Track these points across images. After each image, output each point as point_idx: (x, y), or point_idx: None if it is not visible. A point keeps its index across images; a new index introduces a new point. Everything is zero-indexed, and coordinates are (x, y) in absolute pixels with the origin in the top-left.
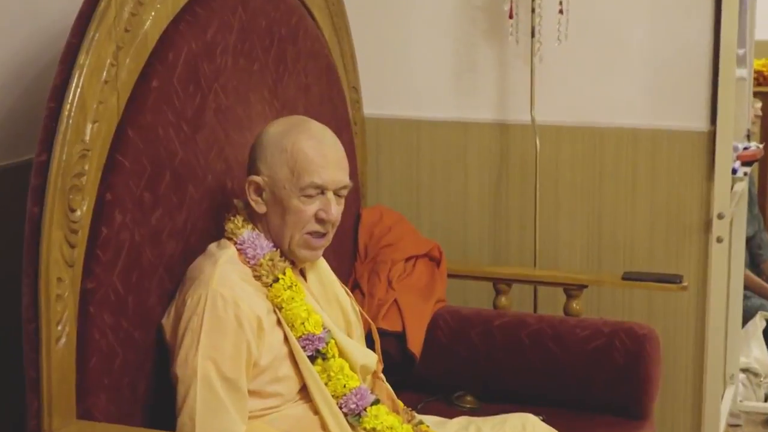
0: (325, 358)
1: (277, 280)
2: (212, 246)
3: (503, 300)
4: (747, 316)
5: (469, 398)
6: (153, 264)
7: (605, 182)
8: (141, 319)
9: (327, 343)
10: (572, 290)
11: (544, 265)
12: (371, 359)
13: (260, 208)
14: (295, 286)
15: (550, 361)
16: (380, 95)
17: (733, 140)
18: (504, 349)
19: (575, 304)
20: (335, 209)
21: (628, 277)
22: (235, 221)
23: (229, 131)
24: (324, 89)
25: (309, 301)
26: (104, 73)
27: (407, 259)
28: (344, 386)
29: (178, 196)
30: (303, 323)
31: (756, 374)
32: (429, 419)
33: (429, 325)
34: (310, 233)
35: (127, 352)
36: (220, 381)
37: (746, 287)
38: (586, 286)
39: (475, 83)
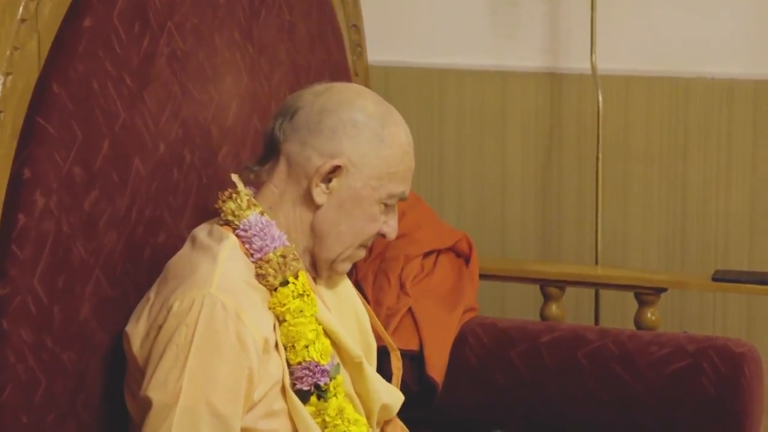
0: (322, 396)
1: (286, 283)
2: (201, 234)
3: (554, 309)
4: None
5: None
6: (87, 263)
7: (690, 151)
8: (71, 337)
9: (332, 379)
10: (646, 295)
11: (609, 262)
12: (396, 398)
13: (321, 199)
14: (308, 296)
15: (617, 389)
16: (390, 36)
17: None
18: (555, 373)
19: (650, 314)
20: (396, 224)
21: (720, 277)
22: (238, 201)
23: (188, 86)
24: (314, 29)
25: (324, 318)
26: (20, 9)
27: (426, 255)
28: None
29: (120, 172)
30: (307, 347)
31: None
32: None
33: (455, 342)
34: (360, 246)
35: (53, 379)
36: (209, 416)
37: None
38: (665, 290)
39: (518, 20)
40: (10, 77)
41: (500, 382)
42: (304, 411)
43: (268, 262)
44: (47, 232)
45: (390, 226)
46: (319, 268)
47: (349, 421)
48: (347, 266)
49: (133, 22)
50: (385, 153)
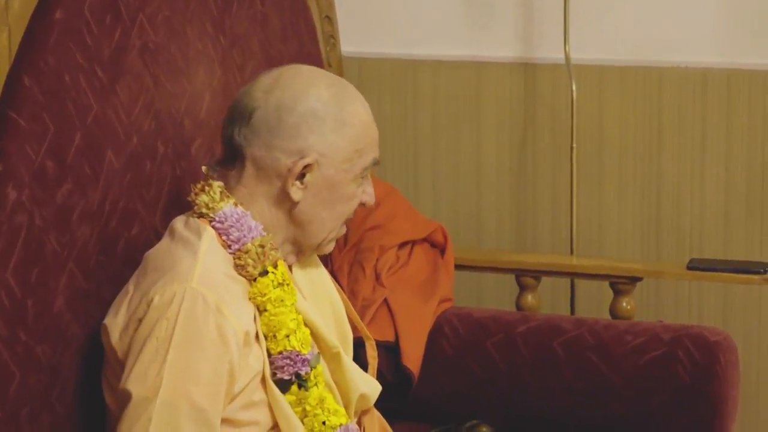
0: (303, 386)
1: (265, 273)
2: (179, 225)
3: (530, 299)
4: None
5: (484, 429)
6: (60, 256)
7: (665, 140)
8: (44, 330)
9: (312, 368)
10: (621, 284)
11: (585, 251)
12: (373, 387)
13: (298, 195)
14: (287, 285)
15: (592, 378)
16: (364, 27)
17: None
18: (531, 363)
19: (626, 303)
20: (372, 190)
21: (695, 266)
22: (211, 193)
23: (160, 78)
24: (287, 20)
25: (301, 307)
26: None
27: (401, 246)
28: (323, 423)
29: (93, 165)
30: (288, 336)
31: None
32: None
33: (431, 332)
34: (344, 223)
35: (27, 373)
36: (188, 410)
37: None
38: (640, 279)
39: (492, 10)
40: None
41: (476, 373)
42: (284, 401)
43: (246, 252)
44: (20, 225)
45: (368, 194)
46: (303, 253)
47: (329, 411)
48: (333, 245)
49: (104, 15)
50: (349, 134)
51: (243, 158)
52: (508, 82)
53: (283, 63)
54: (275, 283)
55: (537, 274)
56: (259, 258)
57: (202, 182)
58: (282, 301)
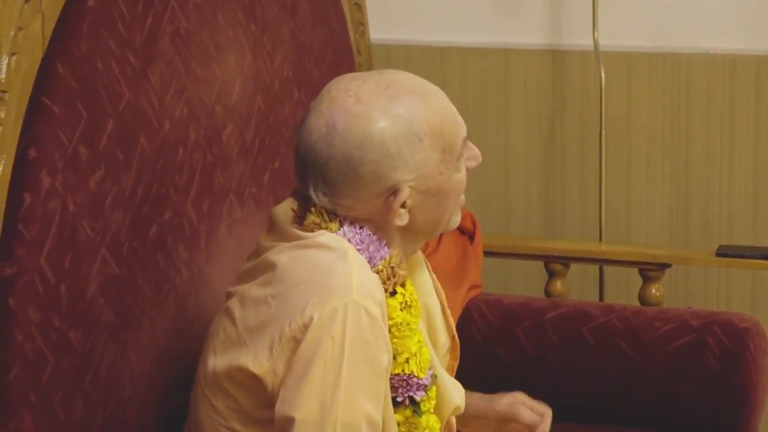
0: (416, 411)
1: (394, 293)
2: (305, 233)
3: (559, 285)
4: None
5: None
6: (93, 242)
7: (693, 127)
8: (78, 316)
9: (428, 392)
10: (650, 271)
11: (613, 238)
12: (462, 395)
13: (405, 219)
14: (414, 306)
15: (621, 364)
16: (392, 14)
17: None
18: (560, 349)
19: (654, 290)
20: (475, 146)
21: (724, 252)
22: (318, 214)
23: (192, 64)
24: (316, 8)
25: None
26: None
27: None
28: None
29: (125, 151)
30: (408, 360)
31: None
32: None
33: (460, 319)
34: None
35: (61, 358)
36: (367, 427)
37: None
38: (669, 266)
39: None
40: (14, 58)
41: (505, 359)
42: (394, 421)
43: (379, 273)
44: (53, 211)
45: (473, 159)
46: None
47: None
48: (459, 216)
49: (136, 1)
50: (429, 143)
51: (335, 213)
52: (537, 69)
53: (313, 50)
54: (403, 305)
55: (565, 260)
56: (389, 279)
57: (298, 205)
58: (408, 325)
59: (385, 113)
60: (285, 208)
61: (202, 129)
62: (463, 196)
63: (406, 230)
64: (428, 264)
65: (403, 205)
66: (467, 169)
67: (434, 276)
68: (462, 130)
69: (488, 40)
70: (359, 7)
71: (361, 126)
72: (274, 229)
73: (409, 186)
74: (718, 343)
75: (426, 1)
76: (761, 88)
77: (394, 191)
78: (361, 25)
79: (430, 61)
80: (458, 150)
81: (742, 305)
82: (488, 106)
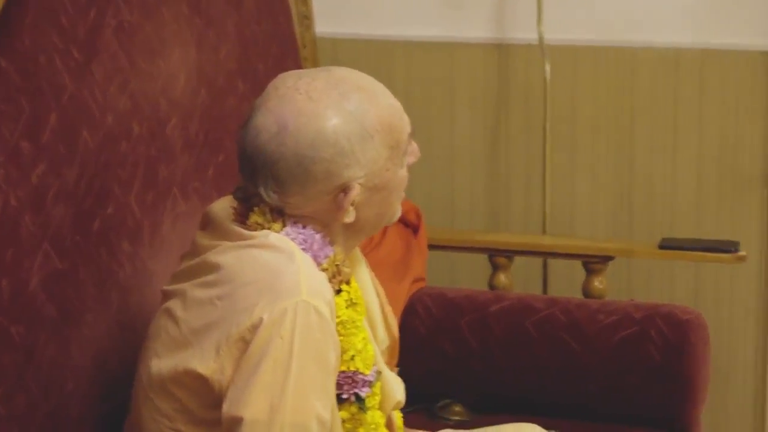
0: (362, 408)
1: (339, 291)
2: (248, 232)
3: (503, 278)
4: None
5: (457, 408)
6: (35, 236)
7: (637, 120)
8: (20, 310)
9: (372, 388)
10: (594, 264)
11: (557, 231)
12: (403, 392)
13: (352, 216)
14: (359, 303)
15: (565, 357)
16: (338, 8)
17: None
18: (503, 342)
19: (598, 283)
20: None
21: (666, 245)
22: (262, 213)
23: (136, 58)
24: (261, 2)
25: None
26: None
27: None
28: None
29: (68, 145)
30: (353, 357)
31: None
32: None
33: (404, 312)
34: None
35: (2, 353)
36: (317, 427)
37: None
38: (612, 258)
39: None
40: None
41: (449, 352)
42: (338, 418)
43: (324, 271)
44: None
45: (414, 154)
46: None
47: None
48: (399, 212)
49: None
50: (380, 140)
51: (282, 210)
52: (482, 62)
53: (258, 44)
54: (348, 302)
55: (509, 253)
56: (335, 277)
57: (239, 203)
58: (353, 322)
59: (337, 111)
60: (223, 206)
61: (146, 122)
62: (403, 192)
63: (350, 227)
64: (366, 260)
65: (353, 204)
66: (410, 163)
67: (372, 272)
68: (407, 126)
69: (434, 34)
70: (305, 1)
71: (314, 124)
72: (212, 228)
73: (359, 183)
74: (660, 335)
75: None
76: (704, 82)
77: (345, 189)
78: (307, 18)
79: (375, 55)
80: (404, 146)
81: (684, 298)
82: (433, 99)
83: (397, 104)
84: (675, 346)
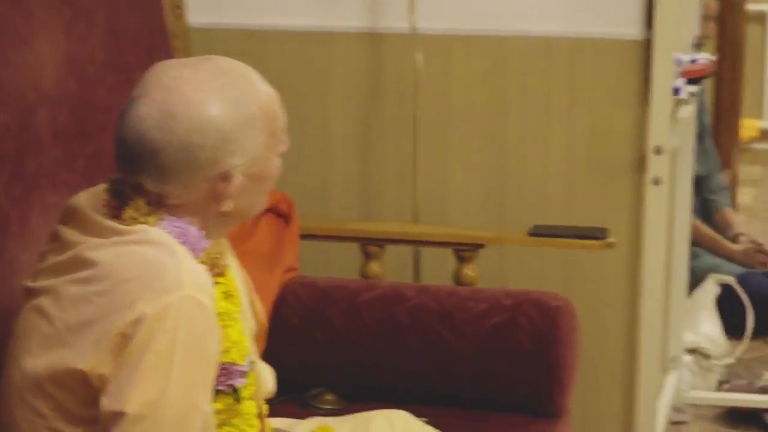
0: (238, 398)
1: (215, 284)
2: (126, 227)
3: (374, 267)
4: (695, 281)
5: (329, 397)
6: None
7: (510, 109)
8: None
9: (247, 378)
10: (465, 252)
11: (429, 219)
12: (273, 381)
13: (229, 205)
14: (235, 295)
15: (436, 345)
16: None
17: (676, 51)
18: (375, 331)
19: (469, 270)
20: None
21: (536, 232)
22: (136, 207)
23: (3, 47)
24: None
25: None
26: None
27: None
28: None
29: None
30: (229, 349)
31: (706, 356)
32: (276, 422)
33: (275, 302)
34: None
35: None
36: (200, 420)
37: (694, 243)
38: (482, 246)
39: None
40: None
41: (321, 342)
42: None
43: (202, 264)
44: None
45: (286, 143)
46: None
47: (248, 425)
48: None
49: None
50: (260, 127)
51: (164, 200)
52: (355, 52)
53: (128, 34)
54: (224, 294)
55: (381, 242)
56: (212, 269)
57: (114, 196)
58: (229, 314)
59: (221, 99)
60: (88, 199)
61: (13, 113)
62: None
63: (224, 217)
64: (231, 248)
65: (229, 191)
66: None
67: (238, 260)
68: (283, 114)
69: (308, 24)
70: None
71: (200, 112)
72: (77, 223)
73: (240, 170)
74: (529, 322)
75: None
76: (575, 71)
77: (225, 177)
78: (178, 8)
79: (249, 45)
80: (279, 134)
81: (555, 285)
82: (307, 89)
83: (274, 92)
84: (544, 333)
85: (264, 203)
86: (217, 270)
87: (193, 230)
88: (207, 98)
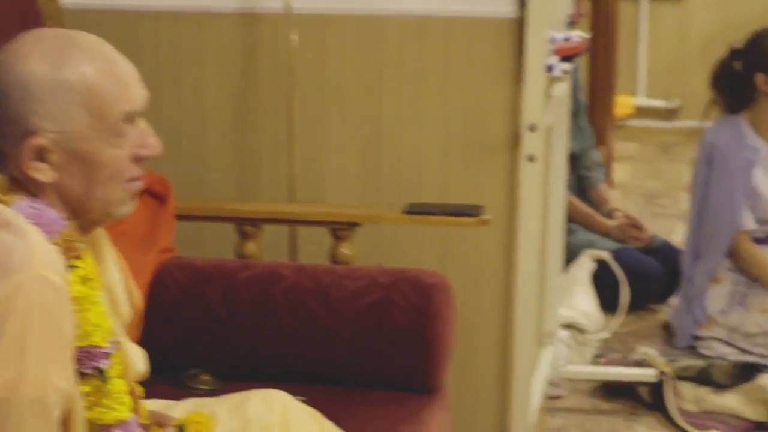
0: (104, 379)
1: (72, 267)
2: None
3: (251, 247)
4: (571, 256)
5: (205, 377)
6: None
7: (385, 89)
8: None
9: (112, 359)
10: (341, 230)
11: (305, 198)
12: (145, 363)
13: (46, 175)
14: (94, 279)
15: (312, 324)
16: None
17: (549, 29)
18: (251, 310)
19: (345, 249)
20: (155, 137)
21: (412, 210)
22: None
23: None
24: None
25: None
26: None
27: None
28: (109, 415)
29: None
30: (90, 332)
31: (582, 331)
32: (153, 404)
33: (151, 283)
34: (130, 181)
35: None
36: (56, 398)
37: (570, 219)
38: (358, 224)
39: None
40: None
41: (197, 322)
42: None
43: (56, 246)
44: None
45: (147, 146)
46: (95, 224)
47: (118, 402)
48: (130, 206)
49: None
50: (76, 100)
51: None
52: (230, 32)
53: (0, 18)
54: (80, 279)
55: (257, 222)
56: (67, 252)
57: None
58: (87, 297)
59: (42, 60)
60: None
61: None
62: (136, 184)
63: (76, 202)
64: (108, 236)
65: (47, 161)
66: (139, 158)
67: (115, 247)
68: (125, 103)
69: (181, 4)
70: None
71: (16, 65)
72: None
73: (50, 137)
74: (405, 299)
75: None
76: (449, 49)
77: (27, 136)
78: None
79: (122, 27)
80: (113, 121)
81: (431, 262)
82: (182, 70)
83: (125, 79)
84: (419, 310)
85: (123, 207)
86: (73, 253)
87: (50, 212)
88: (27, 55)
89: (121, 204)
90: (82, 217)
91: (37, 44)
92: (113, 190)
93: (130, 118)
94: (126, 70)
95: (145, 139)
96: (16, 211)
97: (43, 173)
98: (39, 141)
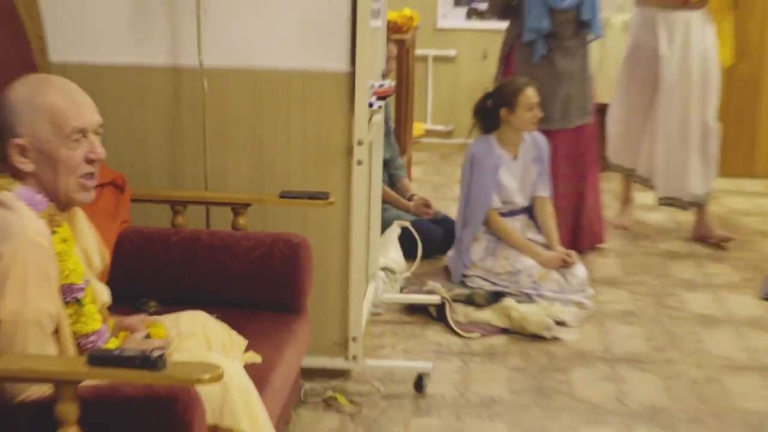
0: (81, 304)
1: (55, 233)
2: None
3: (180, 219)
4: (385, 225)
5: (152, 303)
6: None
7: (265, 117)
8: None
9: (85, 291)
10: (238, 209)
11: (215, 188)
12: (108, 296)
13: (27, 167)
14: (69, 239)
15: (221, 269)
16: (66, 41)
17: (370, 79)
18: (181, 260)
19: (241, 221)
20: (101, 147)
21: (284, 195)
22: (3, 176)
23: None
24: (8, 38)
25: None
26: None
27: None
28: (87, 327)
29: None
30: (68, 275)
31: (393, 272)
32: (116, 319)
33: (116, 243)
34: (83, 176)
35: None
36: (47, 319)
37: (384, 201)
38: (249, 205)
39: (149, 25)
40: None
41: (146, 268)
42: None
43: (42, 218)
44: None
45: (94, 152)
46: (69, 205)
47: (92, 319)
48: (85, 195)
49: None
50: (44, 117)
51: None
52: (163, 79)
53: (6, 69)
54: (61, 239)
55: (184, 203)
56: (51, 222)
57: None
58: (65, 252)
59: (24, 90)
60: None
61: None
62: (91, 180)
63: (49, 188)
64: (85, 213)
65: (27, 157)
66: (89, 159)
67: (90, 220)
68: (78, 121)
69: (130, 61)
70: (40, 38)
71: (8, 92)
72: None
73: (27, 140)
74: (281, 253)
75: (85, 28)
76: (306, 92)
77: (16, 136)
78: (42, 50)
79: (91, 78)
80: (69, 132)
81: (297, 228)
82: (133, 104)
83: (82, 106)
84: (291, 260)
85: (80, 195)
86: (54, 223)
87: (37, 196)
88: (16, 87)
89: (78, 192)
90: (56, 200)
91: (25, 80)
92: (70, 180)
93: (83, 131)
94: (81, 99)
95: (94, 147)
96: (16, 194)
97: (25, 165)
98: (20, 141)
